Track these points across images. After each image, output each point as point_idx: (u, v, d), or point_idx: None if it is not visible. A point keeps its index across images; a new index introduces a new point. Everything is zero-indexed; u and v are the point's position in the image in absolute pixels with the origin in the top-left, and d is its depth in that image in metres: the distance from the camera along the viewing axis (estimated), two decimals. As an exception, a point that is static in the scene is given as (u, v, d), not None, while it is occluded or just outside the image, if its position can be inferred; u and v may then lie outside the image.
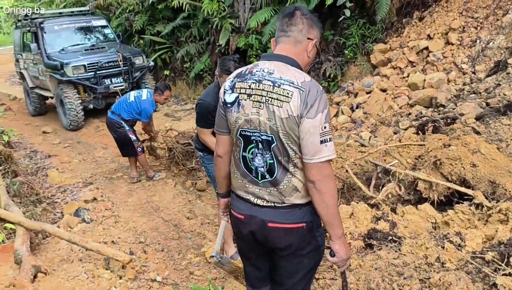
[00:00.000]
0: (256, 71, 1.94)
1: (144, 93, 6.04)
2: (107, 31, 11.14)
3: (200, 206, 5.27)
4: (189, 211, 5.13)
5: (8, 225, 4.07)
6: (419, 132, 5.18)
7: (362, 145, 5.56)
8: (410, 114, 6.07)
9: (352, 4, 7.30)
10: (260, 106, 1.89)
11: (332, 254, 1.99)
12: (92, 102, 9.69)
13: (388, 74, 7.12)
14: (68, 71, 9.15)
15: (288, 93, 1.82)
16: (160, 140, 6.62)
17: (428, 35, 6.99)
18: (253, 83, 1.92)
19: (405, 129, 5.69)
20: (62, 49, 10.03)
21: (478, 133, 4.14)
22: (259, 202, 2.03)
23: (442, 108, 5.69)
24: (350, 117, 6.92)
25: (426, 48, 6.87)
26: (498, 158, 3.51)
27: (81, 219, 4.90)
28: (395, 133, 5.79)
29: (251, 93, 1.92)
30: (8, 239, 4.02)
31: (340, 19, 7.63)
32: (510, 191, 3.26)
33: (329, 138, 1.83)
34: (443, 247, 2.84)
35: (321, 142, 1.81)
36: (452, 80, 6.19)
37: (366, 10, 8.01)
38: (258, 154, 1.97)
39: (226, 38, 9.82)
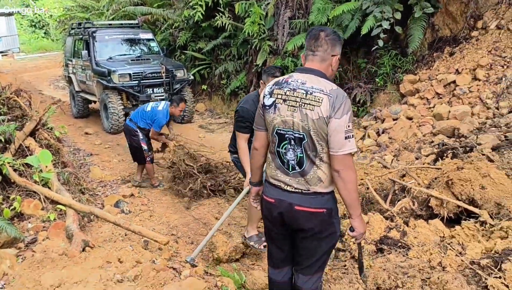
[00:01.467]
0: (291, 81, 2.38)
1: (161, 105, 6.41)
2: (152, 44, 11.88)
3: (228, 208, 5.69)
4: (218, 212, 5.57)
5: (59, 207, 4.59)
6: (439, 158, 5.50)
7: (385, 167, 5.91)
8: (432, 142, 6.39)
9: (385, 35, 7.73)
10: (294, 109, 2.32)
11: (352, 230, 2.43)
12: (133, 108, 10.32)
13: (415, 104, 7.46)
14: (114, 78, 9.85)
15: (319, 99, 2.25)
16: (171, 146, 6.58)
17: (457, 70, 7.33)
18: (288, 90, 2.35)
19: (427, 156, 6.02)
20: (110, 58, 10.79)
21: (491, 160, 4.45)
22: (288, 188, 2.45)
23: (463, 139, 5.99)
24: (375, 141, 7.27)
25: (454, 82, 7.20)
26: (506, 183, 3.82)
27: (120, 210, 5.39)
28: (416, 159, 6.11)
29: (286, 98, 2.36)
30: (58, 219, 4.53)
31: (373, 48, 8.06)
32: (513, 212, 3.57)
33: (352, 135, 2.27)
34: (445, 254, 3.17)
35: (346, 138, 2.24)
36: (476, 113, 6.49)
37: (399, 42, 8.43)
38: (290, 149, 2.40)
39: (264, 59, 10.36)
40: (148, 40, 11.86)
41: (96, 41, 10.87)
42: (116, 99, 9.92)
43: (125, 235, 4.34)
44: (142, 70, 10.08)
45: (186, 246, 4.64)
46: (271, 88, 2.46)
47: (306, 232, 2.47)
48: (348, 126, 2.25)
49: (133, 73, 9.98)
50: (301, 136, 2.32)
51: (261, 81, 3.99)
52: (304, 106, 2.28)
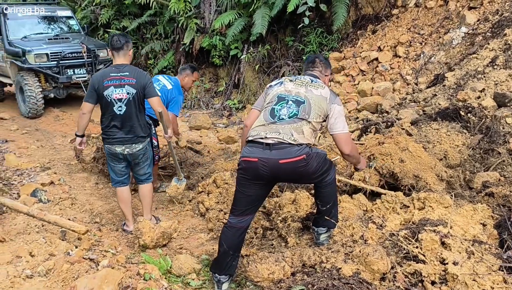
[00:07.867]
0: (296, 76, 3.18)
1: (163, 82, 4.96)
2: (72, 22, 11.20)
3: (156, 193, 5.52)
4: (145, 197, 5.37)
5: (-34, 199, 4.20)
6: (363, 134, 5.65)
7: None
8: (357, 118, 6.57)
9: (311, 13, 7.76)
10: (300, 85, 3.02)
11: None
12: (53, 91, 9.75)
13: (341, 81, 7.61)
14: (30, 58, 9.19)
15: (322, 86, 3.05)
16: (184, 143, 5.77)
17: (379, 47, 7.54)
18: (295, 78, 3.11)
19: (352, 132, 6.16)
20: (25, 37, 10.06)
21: (410, 134, 4.62)
22: (269, 141, 2.83)
23: (386, 114, 6.19)
24: (303, 119, 7.36)
25: (376, 59, 7.41)
26: (423, 156, 3.98)
27: (38, 199, 5.04)
28: (343, 135, 6.25)
29: (293, 80, 3.09)
30: (-35, 212, 4.15)
31: (300, 26, 8.08)
32: (429, 184, 3.73)
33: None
34: (367, 227, 3.25)
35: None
36: (397, 89, 6.73)
37: (324, 20, 8.52)
38: (285, 107, 2.93)
39: (191, 38, 10.10)
40: (67, 17, 11.17)
41: (8, 19, 10.06)
42: (33, 81, 9.28)
43: (42, 226, 4.07)
44: (61, 50, 9.48)
45: (110, 234, 4.44)
46: (279, 78, 3.31)
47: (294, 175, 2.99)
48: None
49: (50, 53, 9.37)
50: (301, 100, 2.93)
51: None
52: (309, 86, 3.01)
